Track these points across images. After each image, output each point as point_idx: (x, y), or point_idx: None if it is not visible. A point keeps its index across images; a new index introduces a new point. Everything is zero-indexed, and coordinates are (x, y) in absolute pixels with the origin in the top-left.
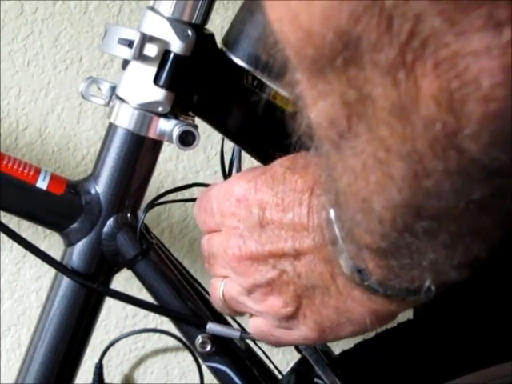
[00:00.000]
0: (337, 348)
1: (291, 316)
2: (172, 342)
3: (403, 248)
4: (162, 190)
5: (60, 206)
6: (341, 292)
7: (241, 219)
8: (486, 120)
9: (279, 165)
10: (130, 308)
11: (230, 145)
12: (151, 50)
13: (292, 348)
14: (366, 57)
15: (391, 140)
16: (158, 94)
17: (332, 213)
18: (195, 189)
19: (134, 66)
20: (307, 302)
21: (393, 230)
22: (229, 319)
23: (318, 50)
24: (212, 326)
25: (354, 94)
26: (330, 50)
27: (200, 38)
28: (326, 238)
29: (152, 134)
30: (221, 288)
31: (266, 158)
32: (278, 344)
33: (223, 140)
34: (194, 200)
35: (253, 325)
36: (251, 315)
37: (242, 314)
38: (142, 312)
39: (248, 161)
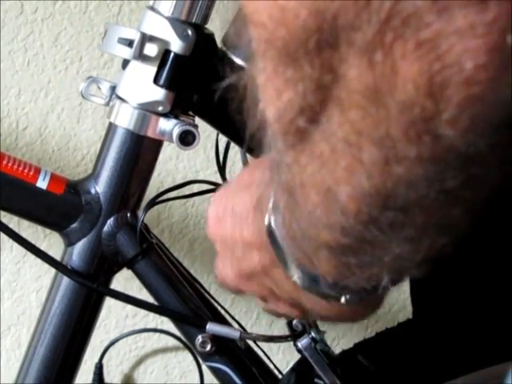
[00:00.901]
0: (337, 348)
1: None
2: (172, 341)
3: (365, 243)
4: (162, 190)
5: (60, 206)
6: (307, 297)
7: (218, 241)
8: (466, 104)
9: (238, 179)
10: (130, 308)
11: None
12: (151, 49)
13: (292, 348)
14: (342, 36)
15: (363, 123)
16: (158, 93)
17: (273, 221)
18: (195, 188)
19: (134, 65)
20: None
21: (356, 222)
22: (229, 319)
23: (290, 30)
24: (212, 326)
25: (327, 77)
26: (303, 31)
27: (200, 37)
28: (271, 253)
29: (152, 134)
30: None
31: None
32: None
33: (218, 136)
34: (193, 196)
35: None
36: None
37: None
38: (142, 312)
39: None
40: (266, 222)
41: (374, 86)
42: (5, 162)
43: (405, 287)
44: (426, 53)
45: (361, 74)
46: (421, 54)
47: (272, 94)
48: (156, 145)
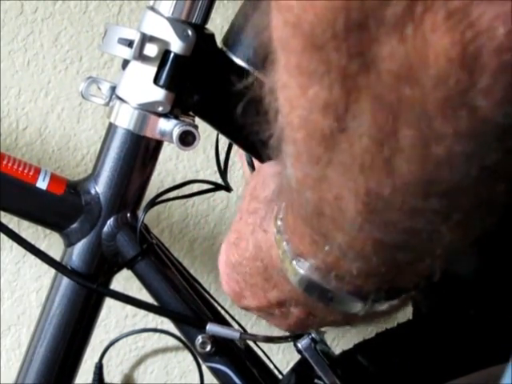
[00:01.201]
0: (337, 348)
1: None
2: (172, 341)
3: (414, 237)
4: (162, 190)
5: (60, 206)
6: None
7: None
8: (500, 72)
9: (249, 197)
10: (130, 308)
11: (226, 142)
12: (151, 49)
13: (292, 348)
14: (371, 14)
15: (398, 107)
16: (158, 93)
17: (285, 245)
18: (195, 188)
19: (134, 65)
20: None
21: (402, 216)
22: (229, 319)
23: (318, 11)
24: (212, 327)
25: (356, 64)
26: (331, 11)
27: (200, 37)
28: (294, 289)
29: (152, 134)
30: None
31: (264, 158)
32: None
33: (218, 136)
34: (193, 195)
35: None
36: None
37: None
38: (142, 312)
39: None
40: (298, 272)
41: (406, 62)
42: (5, 162)
43: None
44: (457, 23)
45: (392, 51)
46: (451, 25)
47: (295, 93)
48: (156, 145)
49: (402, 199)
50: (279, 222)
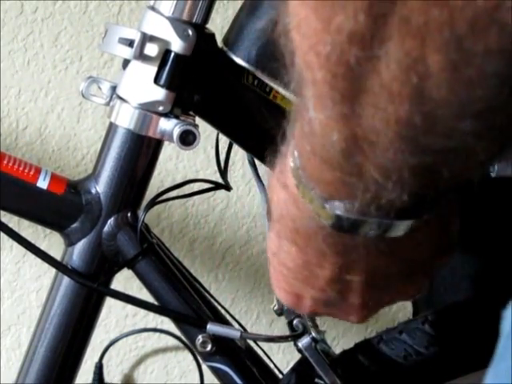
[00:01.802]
0: (337, 348)
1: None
2: (172, 341)
3: (450, 155)
4: (162, 190)
5: (60, 206)
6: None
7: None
8: None
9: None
10: (130, 307)
11: (226, 142)
12: (152, 49)
13: (292, 348)
14: None
15: (426, 30)
16: (159, 93)
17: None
18: (195, 187)
19: (135, 65)
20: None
21: (436, 138)
22: (229, 319)
23: None
24: (212, 326)
25: None
26: None
27: (200, 37)
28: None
29: (152, 134)
30: None
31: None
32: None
33: (218, 136)
34: (193, 195)
35: None
36: None
37: None
38: (142, 311)
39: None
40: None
41: None
42: (5, 162)
43: None
44: None
45: None
46: None
47: (317, 28)
48: (156, 145)
49: (434, 124)
50: (300, 172)
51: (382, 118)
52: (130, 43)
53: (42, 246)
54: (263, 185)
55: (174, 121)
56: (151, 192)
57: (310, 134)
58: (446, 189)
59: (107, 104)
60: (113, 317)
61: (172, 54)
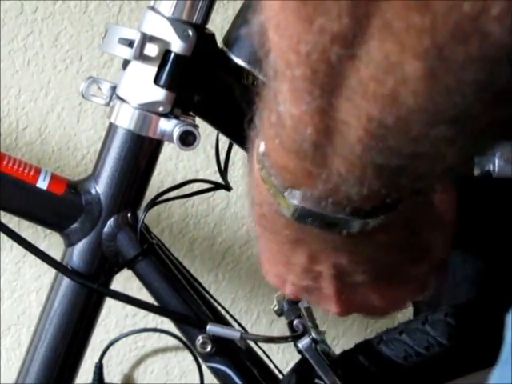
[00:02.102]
0: (337, 348)
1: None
2: (172, 341)
3: (415, 159)
4: (162, 190)
5: (60, 206)
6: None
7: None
8: None
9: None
10: (130, 307)
11: (226, 142)
12: (152, 49)
13: (292, 348)
14: None
15: (407, 36)
16: (159, 93)
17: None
18: (195, 187)
19: (135, 65)
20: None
21: (406, 142)
22: (229, 319)
23: None
24: (212, 327)
25: None
26: None
27: (200, 37)
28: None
29: (152, 134)
30: None
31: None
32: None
33: (218, 136)
34: (193, 195)
35: None
36: None
37: None
38: (142, 311)
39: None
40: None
41: None
42: (5, 162)
43: None
44: None
45: None
46: None
47: (298, 28)
48: (156, 145)
49: (406, 127)
50: (264, 158)
51: (355, 114)
52: (130, 43)
53: (42, 247)
54: None
55: (173, 121)
56: (151, 192)
57: (278, 125)
58: (409, 192)
59: (107, 104)
60: (113, 317)
61: (172, 55)
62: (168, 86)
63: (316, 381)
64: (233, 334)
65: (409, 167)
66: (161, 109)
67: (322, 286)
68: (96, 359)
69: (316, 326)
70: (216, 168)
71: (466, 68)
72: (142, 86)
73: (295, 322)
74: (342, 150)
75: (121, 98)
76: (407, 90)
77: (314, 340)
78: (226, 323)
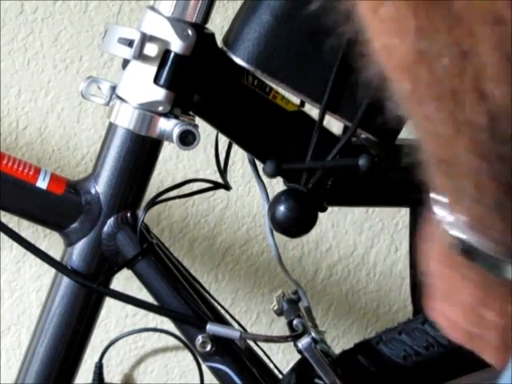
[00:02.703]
0: (337, 348)
1: None
2: (172, 341)
3: None
4: (162, 189)
5: (60, 206)
6: None
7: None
8: None
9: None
10: (130, 307)
11: (226, 142)
12: (151, 49)
13: (292, 348)
14: None
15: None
16: (159, 93)
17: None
18: (195, 187)
19: (134, 65)
20: None
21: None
22: (229, 319)
23: None
24: (212, 327)
25: None
26: None
27: (200, 37)
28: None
29: (152, 134)
30: None
31: (265, 157)
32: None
33: (217, 136)
34: (193, 194)
35: None
36: None
37: None
38: (142, 311)
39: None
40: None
41: None
42: (5, 162)
43: (405, 287)
44: None
45: None
46: None
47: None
48: (156, 145)
49: (503, 126)
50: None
51: (448, 121)
52: (130, 43)
53: (42, 246)
54: (264, 184)
55: (173, 121)
56: (151, 192)
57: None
58: None
59: (107, 104)
60: (113, 317)
61: (172, 54)
62: (168, 86)
63: (316, 380)
64: (232, 333)
65: None
66: (160, 108)
67: (483, 334)
68: (96, 359)
69: (316, 326)
70: (216, 168)
71: None
72: (142, 86)
73: (295, 322)
74: (459, 167)
75: (120, 98)
76: (490, 80)
77: (313, 340)
78: (225, 323)
